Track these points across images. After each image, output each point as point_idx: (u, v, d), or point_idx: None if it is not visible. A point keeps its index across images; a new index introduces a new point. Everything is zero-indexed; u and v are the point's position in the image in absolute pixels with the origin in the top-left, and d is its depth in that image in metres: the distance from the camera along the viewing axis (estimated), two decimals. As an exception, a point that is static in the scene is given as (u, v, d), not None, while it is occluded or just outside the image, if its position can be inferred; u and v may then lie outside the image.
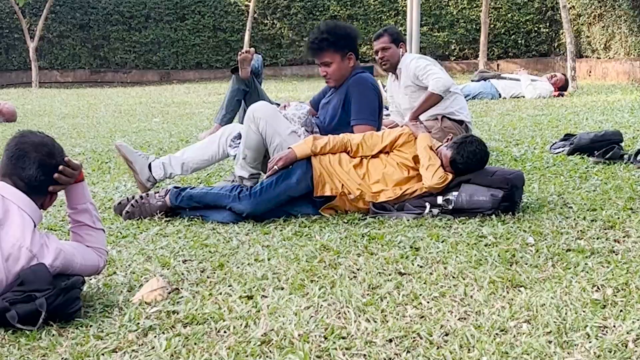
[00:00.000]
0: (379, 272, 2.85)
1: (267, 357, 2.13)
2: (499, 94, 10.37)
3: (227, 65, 18.33)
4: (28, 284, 2.35)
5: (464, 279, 2.73)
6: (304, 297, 2.59)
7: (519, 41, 17.34)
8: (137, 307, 2.52)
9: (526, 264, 2.90)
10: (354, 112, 4.33)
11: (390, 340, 2.21)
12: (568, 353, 2.10)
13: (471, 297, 2.55)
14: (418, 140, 3.87)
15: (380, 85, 9.08)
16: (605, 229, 3.36)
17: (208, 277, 2.86)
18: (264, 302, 2.54)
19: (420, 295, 2.57)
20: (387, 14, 18.14)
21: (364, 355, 2.12)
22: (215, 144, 4.55)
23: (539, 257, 2.97)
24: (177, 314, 2.46)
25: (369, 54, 18.35)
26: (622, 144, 5.16)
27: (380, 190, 3.79)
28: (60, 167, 2.53)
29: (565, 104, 9.10)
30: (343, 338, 2.23)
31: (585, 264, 2.85)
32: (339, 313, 2.43)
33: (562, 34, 14.89)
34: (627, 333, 2.20)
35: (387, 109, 6.24)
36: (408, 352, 2.13)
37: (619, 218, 3.51)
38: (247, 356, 2.13)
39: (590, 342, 2.15)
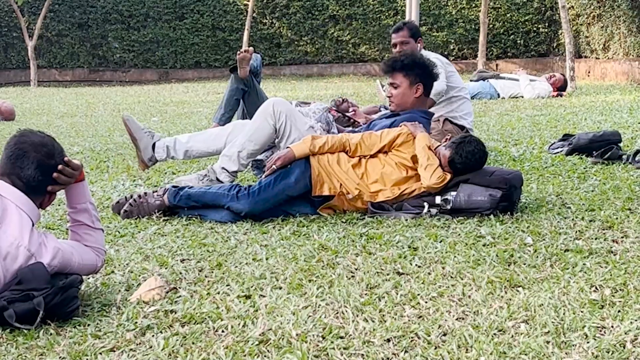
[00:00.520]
0: (377, 272, 2.85)
1: (264, 356, 2.13)
2: (498, 94, 10.38)
3: (226, 64, 18.34)
4: (26, 283, 2.35)
5: (462, 279, 2.73)
6: (302, 296, 2.59)
7: (518, 41, 17.36)
8: (135, 306, 2.52)
9: (524, 264, 2.90)
10: None
11: (388, 340, 2.21)
12: (566, 353, 2.10)
13: (469, 297, 2.55)
14: (416, 140, 3.87)
15: (379, 85, 9.05)
16: (603, 229, 3.36)
17: (206, 277, 2.85)
18: (262, 301, 2.54)
19: (419, 295, 2.57)
20: (386, 14, 18.14)
21: (362, 355, 2.12)
22: (222, 139, 4.54)
23: (537, 257, 2.98)
24: (175, 313, 2.46)
25: (368, 53, 18.38)
26: (621, 144, 5.17)
27: (378, 190, 3.79)
28: (60, 167, 2.53)
29: (564, 104, 9.10)
30: (341, 338, 2.23)
31: (584, 264, 2.86)
32: (337, 313, 2.43)
33: (561, 34, 14.91)
34: (625, 333, 2.20)
35: (387, 109, 6.24)
36: (406, 352, 2.13)
37: (617, 218, 3.51)
38: (244, 356, 2.13)
39: (588, 342, 2.15)
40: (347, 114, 5.12)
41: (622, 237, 3.23)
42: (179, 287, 2.73)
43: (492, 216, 3.60)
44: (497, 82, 10.50)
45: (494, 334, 2.23)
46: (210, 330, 2.32)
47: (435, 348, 2.15)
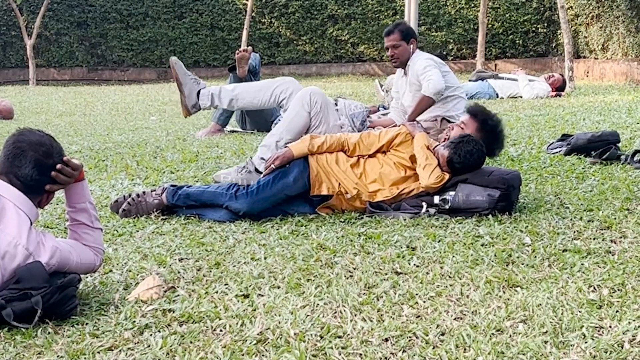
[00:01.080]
0: (376, 272, 2.85)
1: (262, 356, 2.13)
2: (497, 94, 10.37)
3: (225, 63, 18.31)
4: (24, 282, 2.35)
5: (460, 279, 2.73)
6: (300, 296, 2.59)
7: (517, 41, 17.35)
8: (133, 305, 2.52)
9: (523, 264, 2.90)
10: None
11: (386, 340, 2.21)
12: (564, 353, 2.10)
13: (467, 296, 2.55)
14: (415, 139, 3.87)
15: (378, 85, 9.06)
16: (601, 230, 3.36)
17: (204, 276, 2.85)
18: (260, 300, 2.54)
19: (417, 294, 2.57)
20: (385, 14, 18.12)
21: (360, 354, 2.12)
22: (269, 91, 4.53)
23: (536, 257, 2.98)
24: (173, 312, 2.46)
25: (366, 53, 18.37)
26: (619, 145, 5.17)
27: (377, 190, 3.79)
28: (58, 167, 2.52)
29: (562, 104, 9.10)
30: (339, 337, 2.23)
31: (582, 264, 2.86)
32: (335, 312, 2.43)
33: (559, 34, 14.90)
34: (623, 333, 2.20)
35: (386, 108, 6.24)
36: (404, 351, 2.13)
37: (615, 219, 3.51)
38: (242, 355, 2.13)
39: (586, 342, 2.15)
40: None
41: (621, 238, 3.23)
42: (177, 286, 2.73)
43: (490, 216, 3.61)
44: (496, 82, 10.49)
45: (492, 333, 2.23)
46: (208, 329, 2.32)
47: (434, 348, 2.15)
